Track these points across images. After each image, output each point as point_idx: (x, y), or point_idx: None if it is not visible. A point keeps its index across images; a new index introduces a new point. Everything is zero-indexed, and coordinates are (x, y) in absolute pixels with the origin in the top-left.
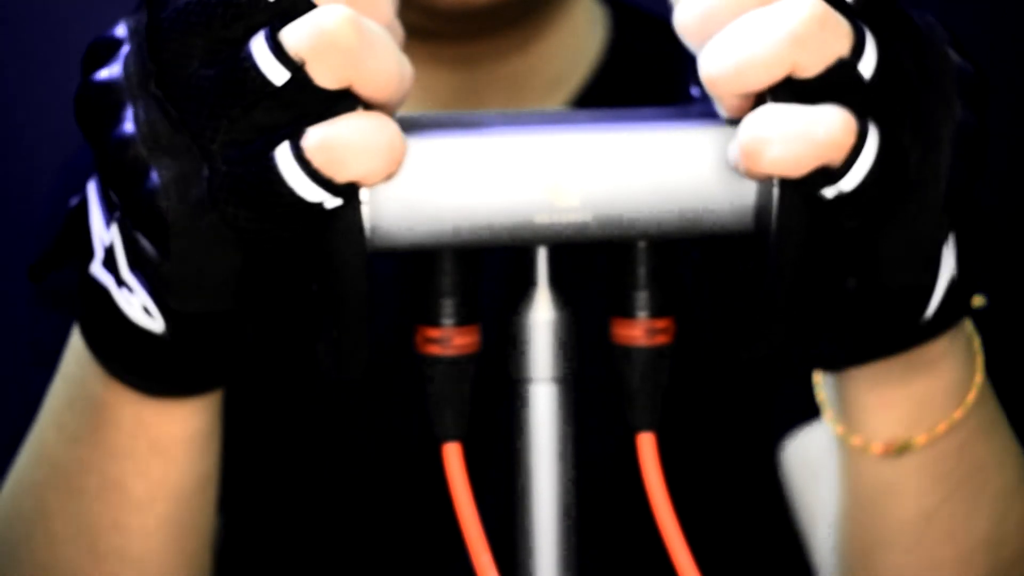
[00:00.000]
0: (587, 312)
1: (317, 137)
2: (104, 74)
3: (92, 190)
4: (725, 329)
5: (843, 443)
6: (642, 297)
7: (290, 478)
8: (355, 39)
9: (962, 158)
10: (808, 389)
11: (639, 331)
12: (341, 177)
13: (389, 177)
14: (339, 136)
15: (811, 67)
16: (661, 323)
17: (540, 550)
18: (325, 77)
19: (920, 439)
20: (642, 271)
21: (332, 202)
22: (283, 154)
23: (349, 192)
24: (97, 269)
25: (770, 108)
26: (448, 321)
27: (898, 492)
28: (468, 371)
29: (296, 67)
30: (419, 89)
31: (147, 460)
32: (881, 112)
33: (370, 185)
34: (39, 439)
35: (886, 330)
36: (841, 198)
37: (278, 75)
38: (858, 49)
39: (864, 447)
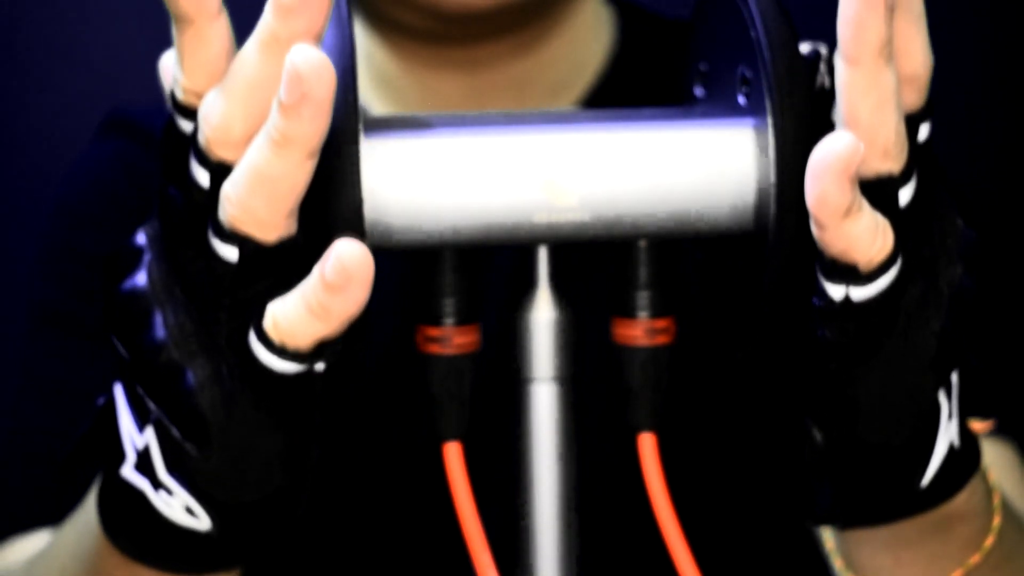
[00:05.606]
0: (588, 312)
1: (268, 318)
2: (130, 283)
3: (119, 393)
4: (726, 329)
5: None
6: (643, 297)
7: None
8: (240, 188)
9: (956, 324)
10: None
11: (640, 331)
12: (303, 348)
13: (357, 304)
14: (282, 309)
15: (870, 166)
16: (661, 323)
17: (541, 549)
18: (261, 230)
19: None
20: (643, 271)
21: (319, 365)
22: (256, 344)
23: (325, 352)
24: (129, 472)
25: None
26: (448, 320)
27: None
28: (468, 370)
29: (239, 238)
30: (424, 92)
31: None
32: (904, 244)
33: (334, 332)
34: None
35: (879, 494)
36: (839, 306)
37: (231, 252)
38: (906, 176)
39: None
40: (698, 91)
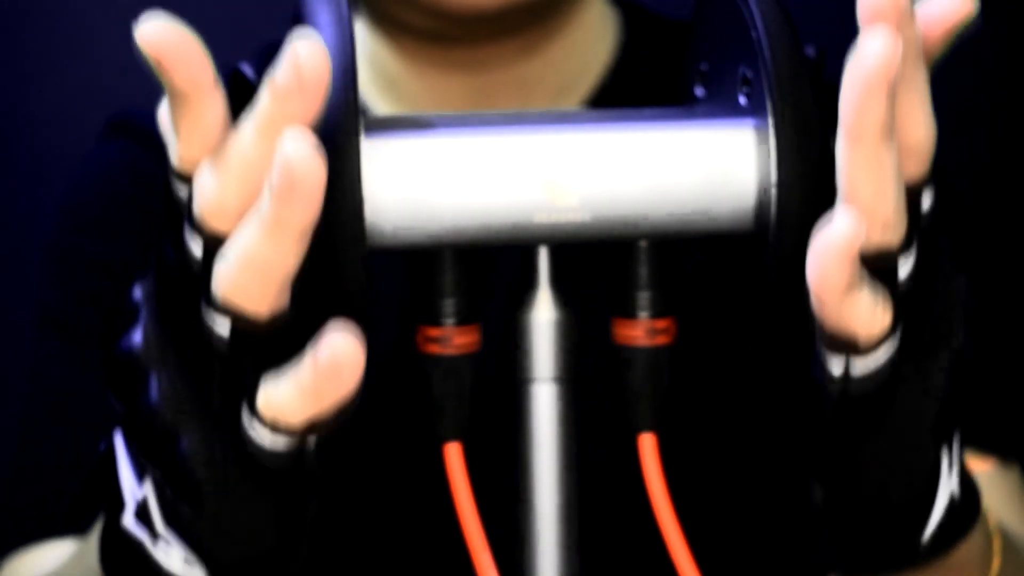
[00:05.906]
0: (589, 312)
1: (260, 396)
2: (127, 342)
3: (119, 443)
4: (726, 330)
5: None
6: (643, 297)
7: None
8: (232, 267)
9: (957, 386)
10: None
11: (640, 331)
12: (294, 427)
13: (345, 399)
14: (275, 389)
15: (870, 240)
16: (662, 323)
17: (541, 550)
18: (248, 304)
19: None
20: (643, 271)
21: (311, 441)
22: (248, 419)
23: (317, 430)
24: (130, 522)
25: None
26: (448, 320)
27: None
28: (468, 370)
29: (230, 312)
30: (428, 92)
31: None
32: (903, 315)
33: (326, 413)
34: None
35: (880, 548)
36: (839, 378)
37: (223, 325)
38: (906, 246)
39: None
40: (699, 91)
